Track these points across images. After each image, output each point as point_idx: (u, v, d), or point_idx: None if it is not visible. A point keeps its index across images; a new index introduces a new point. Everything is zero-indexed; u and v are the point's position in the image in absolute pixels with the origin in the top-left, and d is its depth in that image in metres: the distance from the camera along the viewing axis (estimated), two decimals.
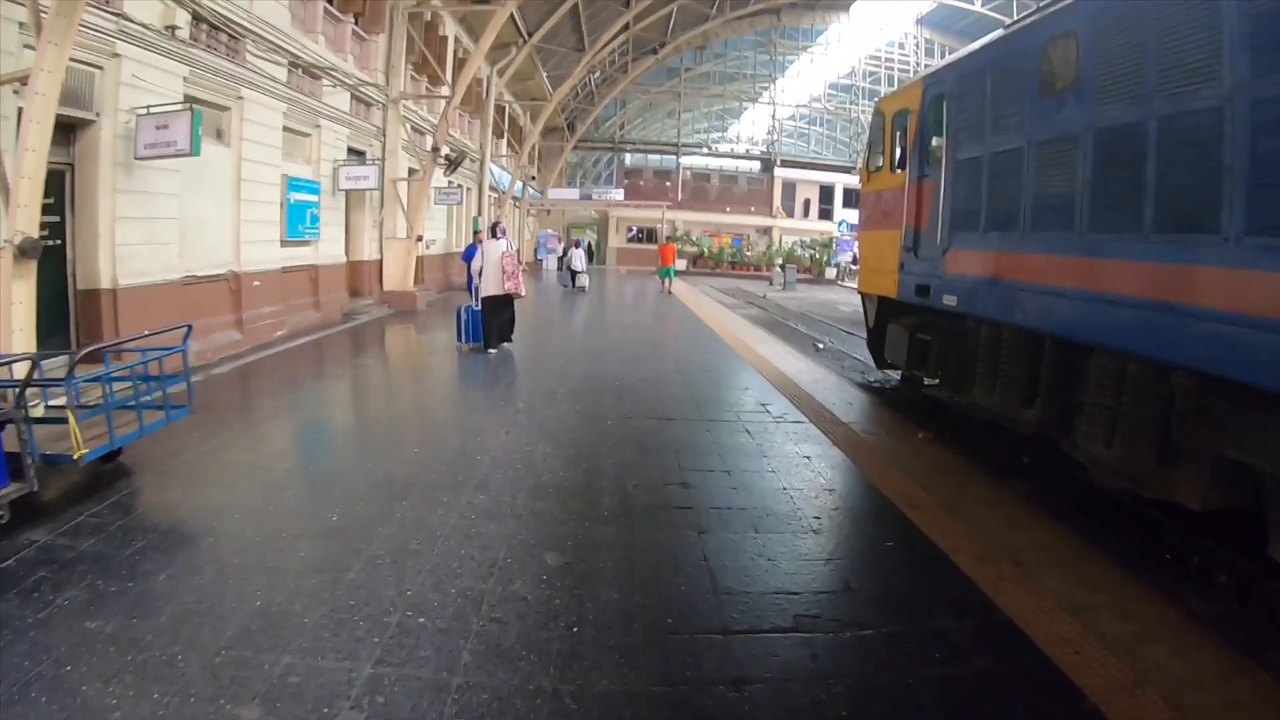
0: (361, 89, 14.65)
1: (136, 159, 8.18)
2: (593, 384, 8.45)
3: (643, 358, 10.54)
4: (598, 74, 38.69)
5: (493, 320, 10.26)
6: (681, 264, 39.09)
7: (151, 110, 8.13)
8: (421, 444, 5.98)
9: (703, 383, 8.87)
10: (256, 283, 10.82)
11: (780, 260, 41.12)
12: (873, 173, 8.99)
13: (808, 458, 5.89)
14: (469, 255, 13.38)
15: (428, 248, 19.27)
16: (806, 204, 45.55)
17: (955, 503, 4.94)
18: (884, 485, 5.30)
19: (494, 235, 10.55)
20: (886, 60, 46.17)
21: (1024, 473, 6.11)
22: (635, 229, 44.02)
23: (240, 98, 10.28)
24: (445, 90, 17.98)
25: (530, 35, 23.97)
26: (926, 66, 47.57)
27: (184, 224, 9.20)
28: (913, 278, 7.76)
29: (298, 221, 12.07)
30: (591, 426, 6.61)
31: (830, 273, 41.02)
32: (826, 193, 45.34)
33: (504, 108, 29.61)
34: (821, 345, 13.53)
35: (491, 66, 24.02)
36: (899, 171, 8.31)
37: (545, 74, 29.94)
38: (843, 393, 8.68)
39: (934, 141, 7.52)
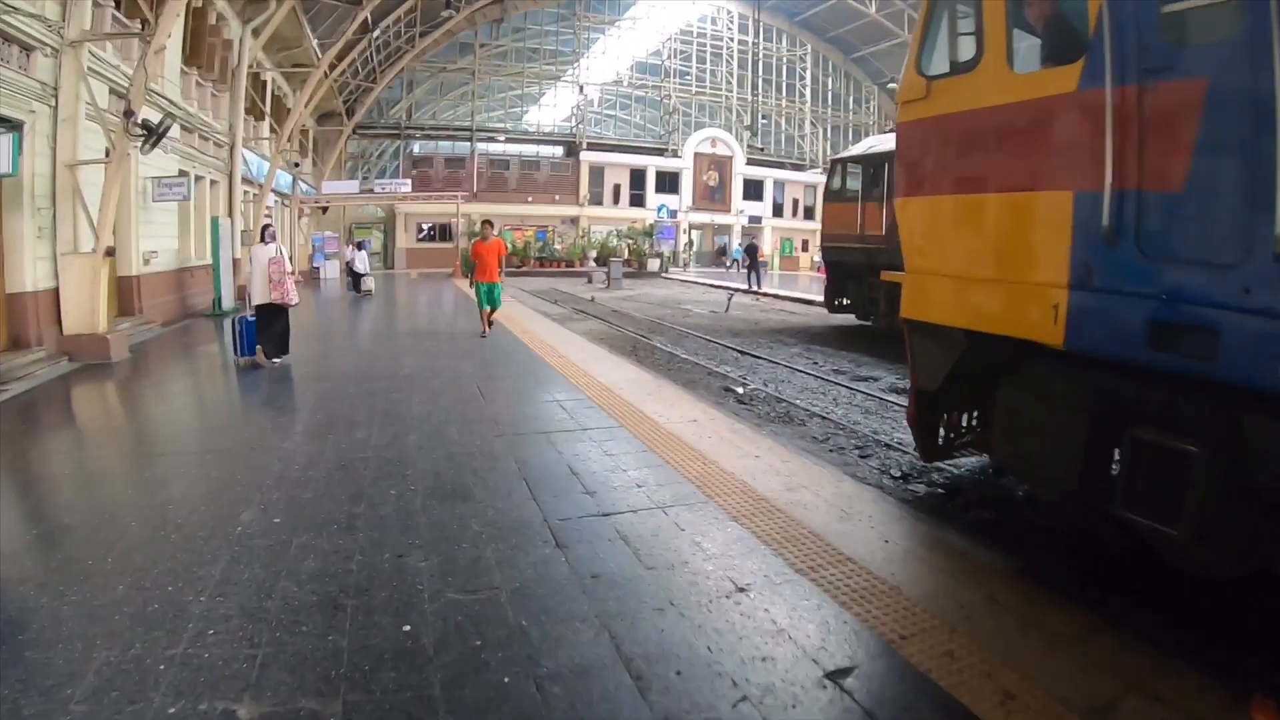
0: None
1: None
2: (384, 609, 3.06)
3: (469, 484, 5.23)
4: (379, 38, 31.92)
5: (267, 331, 9.36)
6: None
7: None
8: None
9: (626, 577, 3.60)
10: None
11: (595, 253, 36.73)
12: (938, 79, 4.33)
13: None
14: None
15: (146, 262, 13.35)
16: (616, 189, 41.51)
17: None
18: None
19: (263, 239, 9.60)
20: (699, 36, 43.12)
21: None
22: (428, 227, 37.62)
23: None
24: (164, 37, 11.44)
25: None
26: (740, 43, 45.53)
27: None
28: (1139, 306, 3.23)
29: None
30: None
31: (653, 264, 37.11)
32: (638, 177, 41.66)
33: (266, 82, 23.05)
34: (741, 389, 8.81)
35: (244, 25, 18.09)
36: (1034, 70, 3.79)
37: (316, 41, 23.24)
38: (922, 547, 3.94)
39: None
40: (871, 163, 13.93)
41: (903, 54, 41.26)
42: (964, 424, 5.23)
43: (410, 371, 8.89)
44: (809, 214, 45.94)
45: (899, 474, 5.84)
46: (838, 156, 15.73)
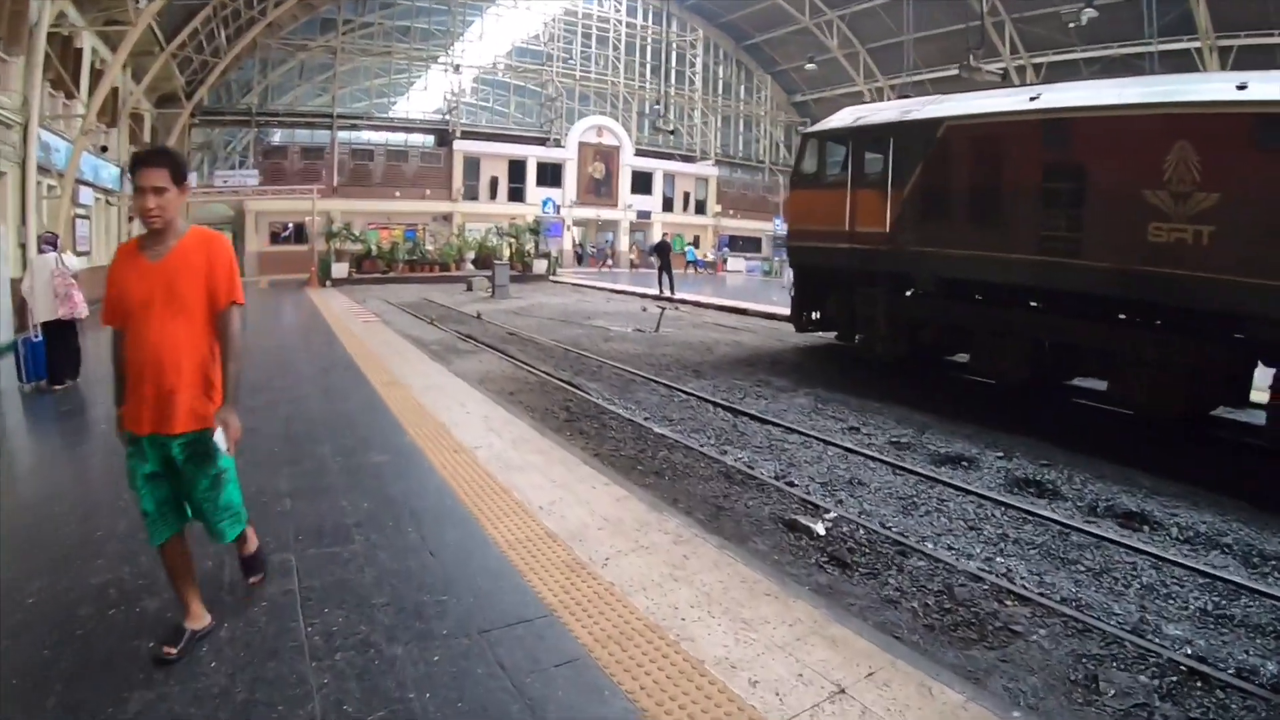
0: None
1: None
2: None
3: None
4: (225, 8, 26.26)
5: (57, 350, 8.45)
6: (341, 269, 28.07)
7: None
8: None
9: None
10: None
11: (474, 254, 32.14)
12: None
13: None
14: None
15: None
16: (494, 183, 37.02)
17: None
18: None
19: (40, 249, 8.97)
20: (584, 18, 39.19)
21: None
22: (286, 226, 31.95)
23: None
24: None
25: None
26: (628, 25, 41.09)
27: None
28: None
29: None
30: None
31: (539, 265, 32.83)
32: (518, 169, 37.41)
33: (82, 50, 18.14)
34: (820, 527, 4.98)
35: None
36: None
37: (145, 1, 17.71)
38: None
39: None
40: (866, 138, 10.54)
41: (801, 41, 39.09)
42: None
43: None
44: (700, 208, 43.20)
45: None
46: (812, 130, 12.23)
